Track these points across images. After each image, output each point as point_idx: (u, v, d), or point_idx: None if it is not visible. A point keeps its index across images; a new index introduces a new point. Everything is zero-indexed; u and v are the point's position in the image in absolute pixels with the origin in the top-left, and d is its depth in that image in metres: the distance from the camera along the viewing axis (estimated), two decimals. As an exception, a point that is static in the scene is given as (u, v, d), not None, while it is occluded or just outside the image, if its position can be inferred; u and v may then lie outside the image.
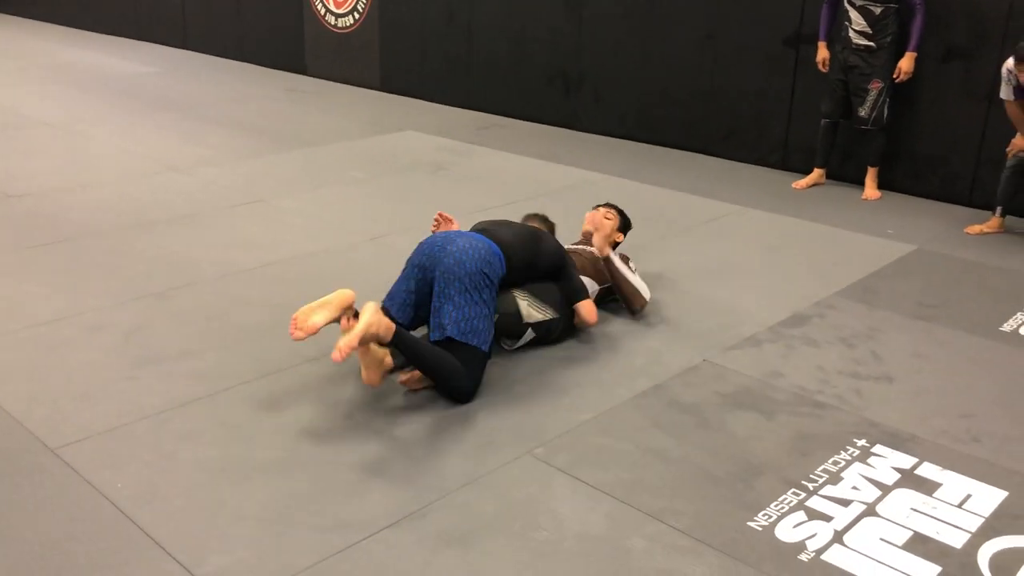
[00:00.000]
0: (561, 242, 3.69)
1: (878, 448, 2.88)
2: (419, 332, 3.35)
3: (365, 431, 2.90)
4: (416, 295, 3.24)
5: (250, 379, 3.22)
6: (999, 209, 5.04)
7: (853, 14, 5.46)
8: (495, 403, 3.10)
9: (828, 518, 2.52)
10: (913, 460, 2.82)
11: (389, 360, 3.05)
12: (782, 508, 2.56)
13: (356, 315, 3.03)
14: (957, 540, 2.44)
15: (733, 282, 4.26)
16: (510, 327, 3.38)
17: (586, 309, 3.53)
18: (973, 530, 2.49)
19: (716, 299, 4.05)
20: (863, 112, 5.57)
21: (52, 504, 2.51)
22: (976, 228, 5.09)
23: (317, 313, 2.97)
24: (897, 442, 2.92)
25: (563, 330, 3.54)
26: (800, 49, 6.02)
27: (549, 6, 7.26)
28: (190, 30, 10.81)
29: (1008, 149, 4.95)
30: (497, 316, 3.29)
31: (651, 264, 4.38)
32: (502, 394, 3.15)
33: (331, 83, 9.16)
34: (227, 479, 2.64)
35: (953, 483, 2.70)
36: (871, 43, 5.45)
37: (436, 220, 3.74)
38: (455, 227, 3.74)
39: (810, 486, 2.67)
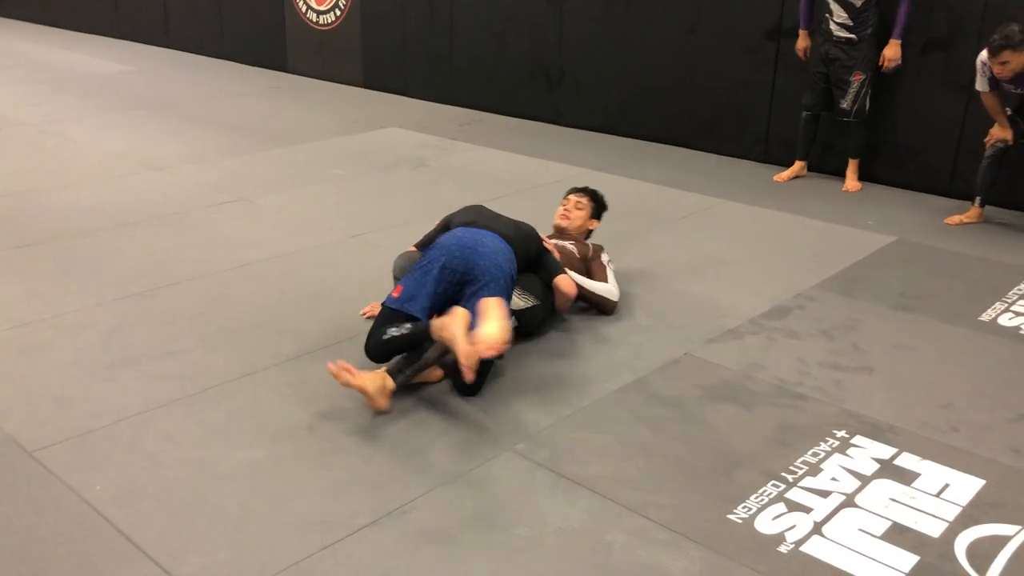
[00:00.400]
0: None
1: (858, 439, 2.89)
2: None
3: (346, 429, 2.89)
4: (443, 297, 3.16)
5: (230, 379, 3.20)
6: (978, 199, 5.07)
7: (834, 7, 5.48)
8: (477, 399, 3.09)
9: (807, 509, 2.53)
10: (892, 450, 2.83)
11: (390, 383, 2.96)
12: (762, 500, 2.57)
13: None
14: (935, 529, 2.46)
15: (714, 275, 4.27)
16: None
17: (565, 283, 3.51)
18: (951, 519, 2.50)
19: (697, 292, 4.06)
20: (845, 104, 5.58)
21: (29, 507, 2.49)
22: (956, 218, 5.12)
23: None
24: (877, 433, 2.93)
25: (543, 319, 3.53)
26: (781, 42, 6.03)
27: (530, 1, 7.25)
28: (172, 28, 10.74)
29: (986, 140, 4.97)
30: None
31: (633, 258, 4.38)
32: (484, 390, 3.15)
33: (313, 80, 9.12)
34: (207, 479, 2.63)
35: (932, 473, 2.72)
36: (852, 35, 5.47)
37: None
38: None
39: (790, 478, 2.68)
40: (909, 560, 2.34)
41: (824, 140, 5.95)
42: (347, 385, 2.89)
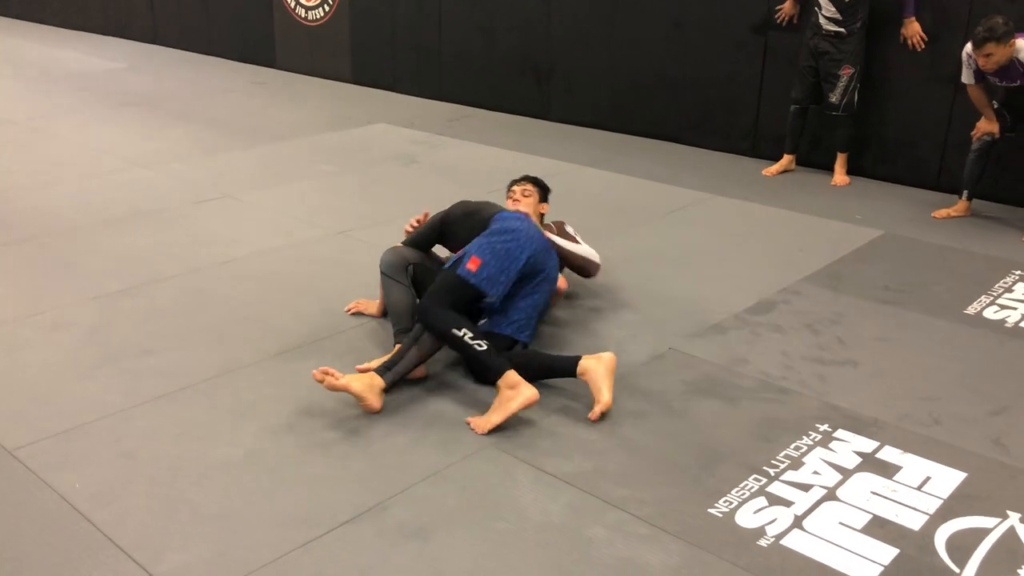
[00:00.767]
0: None
1: (840, 433, 2.89)
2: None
3: (326, 426, 2.88)
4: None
5: (211, 376, 3.19)
6: (965, 193, 5.07)
7: (823, 1, 5.47)
8: (457, 393, 3.08)
9: (788, 503, 2.53)
10: (874, 444, 2.83)
11: (379, 381, 2.93)
12: (743, 494, 2.57)
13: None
14: (915, 522, 2.46)
15: (700, 269, 4.27)
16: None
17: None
18: (931, 512, 2.50)
19: (683, 287, 4.05)
20: (834, 98, 5.58)
21: (8, 506, 2.48)
22: (943, 212, 5.12)
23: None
24: (859, 426, 2.93)
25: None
26: (769, 36, 6.03)
27: (519, -4, 7.23)
28: (159, 25, 10.70)
29: (973, 133, 4.97)
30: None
31: (620, 252, 4.37)
32: (466, 385, 3.14)
33: (301, 76, 9.09)
34: (186, 477, 2.62)
35: (913, 466, 2.72)
36: (841, 29, 5.46)
37: (417, 220, 3.64)
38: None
39: (771, 472, 2.67)
40: (889, 553, 2.34)
41: (812, 134, 5.95)
42: (333, 389, 2.86)
